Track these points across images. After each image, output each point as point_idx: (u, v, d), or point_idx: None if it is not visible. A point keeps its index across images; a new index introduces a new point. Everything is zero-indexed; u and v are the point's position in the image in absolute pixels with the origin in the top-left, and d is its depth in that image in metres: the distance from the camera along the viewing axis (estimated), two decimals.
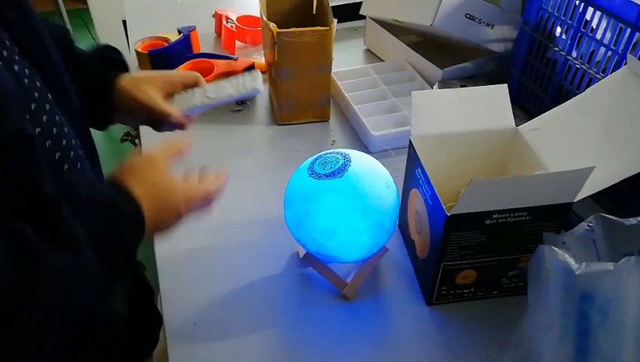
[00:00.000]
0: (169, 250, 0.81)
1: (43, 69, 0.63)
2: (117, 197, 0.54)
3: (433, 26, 1.07)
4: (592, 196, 0.69)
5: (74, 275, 0.49)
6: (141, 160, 0.61)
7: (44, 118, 0.58)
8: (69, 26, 2.31)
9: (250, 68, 1.15)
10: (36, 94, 0.57)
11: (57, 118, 0.60)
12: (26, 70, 0.57)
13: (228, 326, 0.72)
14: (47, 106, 0.59)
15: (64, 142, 0.60)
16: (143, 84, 0.74)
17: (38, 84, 0.58)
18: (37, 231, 0.47)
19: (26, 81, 0.57)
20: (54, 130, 0.58)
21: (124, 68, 0.77)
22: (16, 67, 0.56)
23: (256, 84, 0.78)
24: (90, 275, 0.51)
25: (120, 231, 0.54)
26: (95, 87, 0.72)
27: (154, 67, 1.20)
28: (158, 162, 0.61)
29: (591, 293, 0.55)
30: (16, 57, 0.57)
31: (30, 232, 0.46)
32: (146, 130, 1.07)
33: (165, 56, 1.19)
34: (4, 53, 0.55)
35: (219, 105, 0.78)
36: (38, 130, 0.55)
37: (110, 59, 0.76)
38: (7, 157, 0.49)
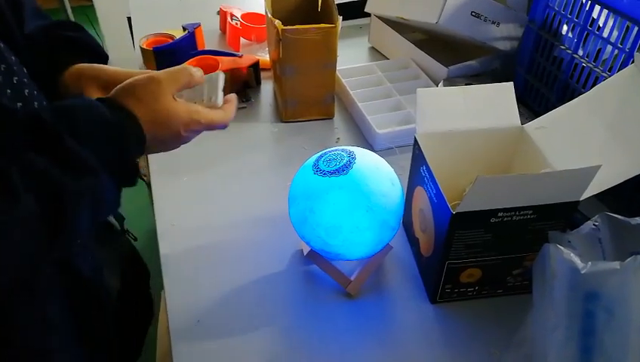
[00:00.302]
0: (173, 247, 0.82)
1: (15, 44, 0.63)
2: (117, 118, 0.54)
3: (439, 23, 1.06)
4: (597, 195, 0.69)
5: (93, 196, 0.51)
6: (144, 80, 0.59)
7: (26, 91, 0.58)
8: None
9: (255, 65, 1.15)
10: (15, 68, 0.58)
11: (35, 92, 0.61)
12: (1, 44, 0.58)
13: (232, 324, 0.72)
14: (26, 80, 0.60)
15: (36, 104, 0.61)
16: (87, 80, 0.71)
17: (13, 58, 0.59)
18: (48, 160, 0.48)
19: (5, 55, 0.58)
20: (35, 104, 0.59)
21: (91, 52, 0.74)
22: None
23: (215, 96, 0.64)
24: (105, 195, 0.53)
25: (123, 150, 0.55)
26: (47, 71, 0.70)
27: (159, 64, 1.20)
28: (162, 84, 0.59)
29: (596, 292, 0.55)
30: None
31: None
32: None
33: (170, 53, 1.19)
34: None
35: None
36: (19, 104, 0.56)
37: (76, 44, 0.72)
38: None
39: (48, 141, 0.49)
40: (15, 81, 0.58)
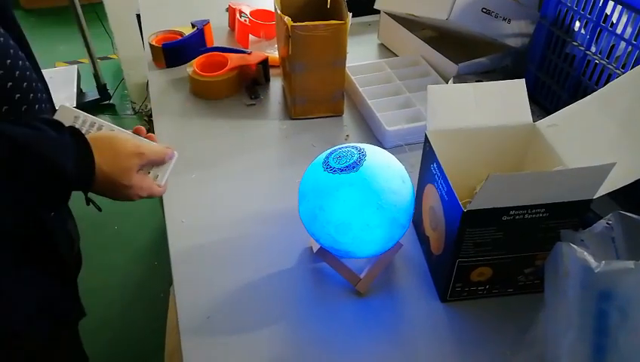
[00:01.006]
0: (183, 243, 0.82)
1: (12, 30, 0.67)
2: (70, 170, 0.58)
3: (449, 20, 1.06)
4: (610, 194, 0.68)
5: None
6: (131, 149, 0.65)
7: (8, 62, 0.63)
8: (83, 22, 2.32)
9: (264, 62, 1.15)
10: (11, 51, 0.61)
11: (20, 62, 0.64)
12: (1, 29, 0.62)
13: (241, 320, 0.72)
14: (12, 51, 0.64)
15: (25, 85, 0.65)
16: None
17: (11, 42, 0.62)
18: None
19: (1, 39, 0.62)
20: (17, 73, 0.64)
21: None
22: None
23: (162, 176, 0.72)
24: None
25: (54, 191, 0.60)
26: None
27: (168, 60, 1.20)
28: (140, 160, 0.66)
29: (610, 292, 0.54)
30: None
31: None
32: (159, 123, 1.07)
33: (179, 49, 1.19)
34: None
35: None
36: (10, 84, 0.62)
37: None
38: None
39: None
40: (7, 64, 0.62)
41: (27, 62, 0.67)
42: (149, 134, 0.73)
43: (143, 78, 2.15)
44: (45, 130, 0.57)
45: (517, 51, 1.15)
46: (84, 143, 0.60)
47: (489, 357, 0.68)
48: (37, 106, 0.68)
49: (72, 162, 0.58)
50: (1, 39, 0.63)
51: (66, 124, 0.62)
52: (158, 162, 0.70)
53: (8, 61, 0.62)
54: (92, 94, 2.58)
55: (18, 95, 0.64)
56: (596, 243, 0.63)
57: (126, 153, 0.64)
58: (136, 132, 0.72)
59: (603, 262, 0.55)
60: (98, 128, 0.69)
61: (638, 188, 0.76)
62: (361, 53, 1.27)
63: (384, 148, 0.95)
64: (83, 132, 0.63)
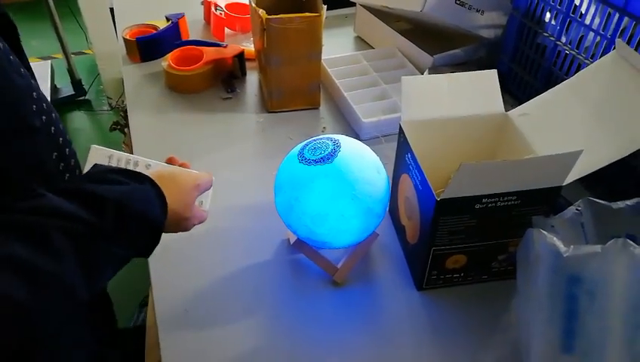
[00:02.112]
0: None
1: (24, 59, 0.66)
2: (162, 221, 0.58)
3: (423, 12, 1.06)
4: (581, 181, 0.70)
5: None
6: (190, 183, 0.64)
7: (44, 105, 0.63)
8: (55, 16, 2.28)
9: (240, 55, 1.15)
10: (34, 94, 0.61)
11: (53, 115, 0.64)
12: (22, 69, 0.62)
13: (219, 313, 0.72)
14: (44, 105, 0.63)
15: (60, 139, 0.64)
16: None
17: (33, 82, 0.62)
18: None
19: (33, 81, 0.63)
20: (53, 115, 0.63)
21: None
22: (22, 70, 0.61)
23: (206, 202, 0.71)
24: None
25: (149, 248, 0.58)
26: None
27: (142, 54, 1.19)
28: (197, 192, 0.65)
29: (579, 276, 0.56)
30: (18, 61, 0.62)
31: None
32: (134, 118, 1.06)
33: (153, 43, 1.18)
34: (12, 58, 0.60)
35: None
36: (43, 117, 0.61)
37: None
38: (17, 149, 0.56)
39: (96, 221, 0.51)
40: (35, 96, 0.62)
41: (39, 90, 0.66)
42: (183, 162, 0.71)
43: (118, 73, 2.12)
44: (131, 184, 0.56)
45: (491, 43, 1.17)
46: (159, 188, 0.59)
47: (465, 343, 0.69)
48: (61, 140, 0.67)
49: (159, 210, 0.57)
50: (35, 93, 0.62)
51: (101, 163, 0.61)
52: (209, 187, 0.68)
53: (35, 93, 0.62)
54: (67, 90, 2.54)
55: (61, 139, 0.64)
56: (566, 229, 0.64)
57: (188, 188, 0.63)
58: (170, 162, 0.70)
59: (572, 246, 0.56)
60: (134, 165, 0.66)
61: (607, 174, 0.78)
62: (337, 46, 1.27)
63: (361, 139, 0.96)
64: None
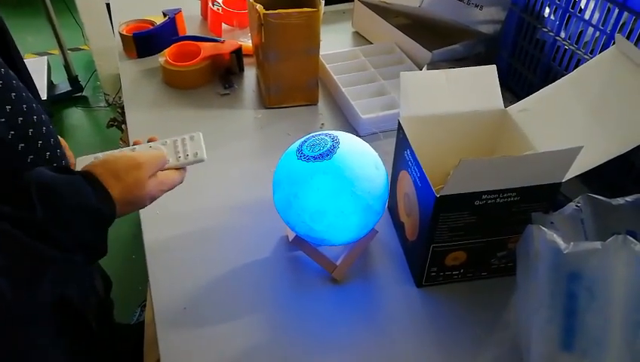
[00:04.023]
0: (157, 235, 0.81)
1: (16, 64, 0.64)
2: (101, 205, 0.57)
3: (421, 7, 1.06)
4: (580, 177, 0.69)
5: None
6: (127, 162, 0.62)
7: (20, 120, 0.59)
8: (51, 12, 2.26)
9: (238, 51, 1.14)
10: (12, 95, 0.59)
11: (35, 117, 0.62)
12: (2, 70, 0.59)
13: (218, 310, 0.71)
14: (25, 107, 0.60)
15: (40, 143, 0.62)
16: None
17: (14, 83, 0.60)
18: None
19: (14, 81, 0.59)
20: (30, 131, 0.60)
21: None
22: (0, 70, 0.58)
23: (200, 152, 0.70)
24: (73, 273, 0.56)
25: (98, 236, 0.57)
26: None
27: (139, 50, 1.18)
28: (142, 170, 0.63)
29: (579, 273, 0.55)
30: None
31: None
32: (131, 115, 1.06)
33: (150, 39, 1.18)
34: None
35: None
36: (12, 133, 0.57)
37: None
38: None
39: (26, 216, 0.50)
40: (13, 97, 0.60)
41: (26, 91, 0.64)
42: (151, 137, 0.72)
43: (115, 68, 2.11)
44: (60, 175, 0.55)
45: (490, 38, 1.16)
46: (90, 174, 0.58)
47: (464, 340, 0.69)
48: (52, 141, 0.66)
49: (91, 193, 0.56)
50: (14, 94, 0.60)
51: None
52: (162, 163, 0.67)
53: (20, 119, 0.60)
54: (63, 86, 2.53)
55: (31, 157, 0.62)
56: (566, 225, 0.64)
57: (125, 170, 0.61)
58: (135, 144, 0.71)
59: (572, 243, 0.56)
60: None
61: (607, 170, 0.78)
62: (335, 41, 1.27)
63: (359, 135, 0.96)
64: None
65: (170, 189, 0.67)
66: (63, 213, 0.53)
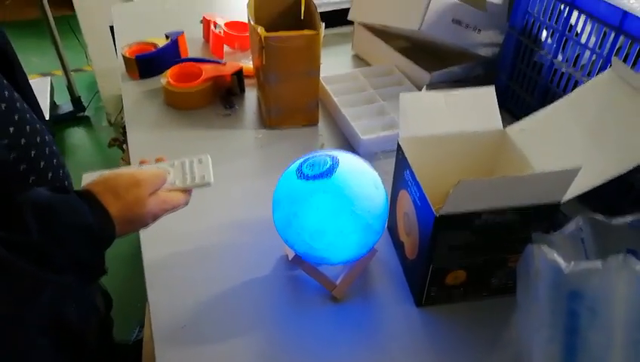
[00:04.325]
0: (157, 253, 0.81)
1: (19, 86, 0.65)
2: (97, 224, 0.56)
3: (420, 30, 1.07)
4: (580, 197, 0.70)
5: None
6: (127, 180, 0.62)
7: (22, 141, 0.59)
8: (56, 33, 2.29)
9: (239, 73, 1.15)
10: (16, 117, 0.59)
11: (39, 138, 0.62)
12: (6, 92, 0.59)
13: (217, 329, 0.71)
14: (28, 128, 0.61)
15: (42, 163, 0.62)
16: None
17: (18, 105, 0.60)
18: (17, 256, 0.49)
19: (3, 105, 0.58)
20: (32, 152, 0.60)
21: None
22: (5, 93, 0.59)
23: (207, 175, 0.70)
24: (69, 292, 0.55)
25: (95, 255, 0.57)
26: None
27: (141, 71, 1.19)
28: (142, 187, 0.62)
29: (580, 292, 0.55)
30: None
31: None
32: (133, 135, 1.06)
33: (153, 60, 1.19)
34: None
35: None
36: (13, 155, 0.57)
37: None
38: None
39: (20, 238, 0.50)
40: (17, 119, 0.60)
41: (30, 112, 0.65)
42: (159, 157, 0.72)
43: (118, 89, 2.13)
44: (54, 195, 0.55)
45: (488, 60, 1.18)
46: (89, 192, 0.58)
47: (465, 359, 0.68)
48: (54, 161, 0.66)
49: (88, 212, 0.56)
50: (17, 116, 0.60)
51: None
52: (161, 182, 0.66)
53: (23, 140, 0.60)
54: (66, 107, 2.55)
55: (33, 178, 0.62)
56: (566, 245, 0.64)
57: (124, 187, 0.61)
58: (142, 163, 0.70)
59: (572, 262, 0.56)
60: None
61: (606, 190, 0.78)
62: (335, 64, 1.29)
63: (359, 156, 0.96)
64: None
65: (173, 210, 0.67)
66: (58, 231, 0.52)
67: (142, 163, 0.70)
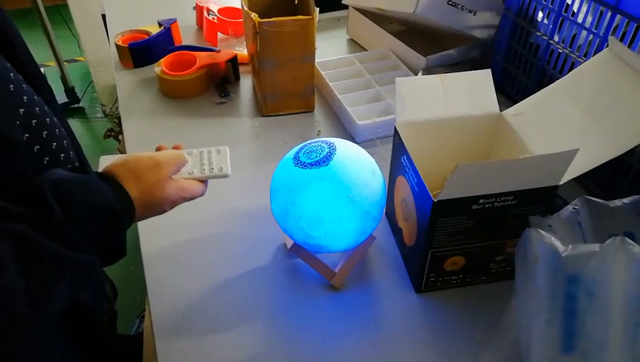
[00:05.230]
0: (155, 244, 0.81)
1: (24, 67, 0.64)
2: (119, 206, 0.56)
3: (415, 13, 1.06)
4: (577, 180, 0.69)
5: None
6: (146, 162, 0.62)
7: (34, 122, 0.59)
8: (47, 24, 2.27)
9: (233, 60, 1.14)
10: (25, 98, 0.59)
11: (48, 120, 0.62)
12: (11, 74, 0.59)
13: (216, 320, 0.71)
14: (37, 109, 0.60)
15: (54, 145, 0.62)
16: None
17: (24, 86, 0.60)
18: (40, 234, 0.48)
19: (11, 86, 0.58)
20: (44, 133, 0.60)
21: None
22: (10, 75, 0.59)
23: (225, 167, 0.69)
24: (88, 274, 0.54)
25: (117, 238, 0.56)
26: None
27: (135, 60, 1.18)
28: (163, 169, 0.63)
29: (578, 275, 0.55)
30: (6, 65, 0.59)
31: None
32: (128, 125, 1.06)
33: (146, 49, 1.18)
34: None
35: None
36: (26, 135, 0.57)
37: None
38: None
39: (43, 217, 0.50)
40: (25, 100, 0.60)
41: (36, 94, 0.64)
42: (176, 145, 0.72)
43: (112, 79, 2.12)
44: (74, 175, 0.55)
45: (484, 43, 1.17)
46: (108, 174, 0.58)
47: (464, 344, 0.69)
48: (65, 142, 0.66)
49: (109, 193, 0.55)
50: (26, 97, 0.60)
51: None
52: (180, 164, 0.67)
53: (34, 121, 0.60)
54: (60, 98, 2.53)
55: (47, 158, 0.62)
56: (564, 228, 0.64)
57: (145, 170, 0.61)
58: (159, 149, 0.70)
59: (570, 246, 0.56)
60: None
61: (603, 172, 0.78)
62: (330, 49, 1.27)
63: (356, 142, 0.96)
64: None
65: (190, 199, 0.67)
66: (79, 211, 0.52)
67: (159, 149, 0.70)
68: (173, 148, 0.70)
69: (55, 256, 0.49)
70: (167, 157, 0.64)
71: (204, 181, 0.69)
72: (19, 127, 0.58)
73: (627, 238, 0.53)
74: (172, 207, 0.65)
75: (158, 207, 0.63)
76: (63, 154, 0.65)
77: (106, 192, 0.55)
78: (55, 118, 0.66)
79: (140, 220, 0.62)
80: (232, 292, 0.75)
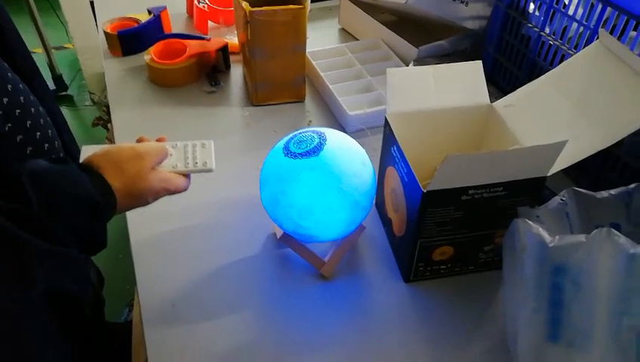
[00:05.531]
0: (144, 233, 0.80)
1: (10, 52, 0.63)
2: (100, 198, 0.55)
3: (407, 3, 1.06)
4: (565, 172, 0.70)
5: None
6: (128, 153, 0.61)
7: (17, 111, 0.58)
8: (35, 10, 2.23)
9: (224, 49, 1.13)
10: (9, 87, 0.58)
11: (33, 109, 0.61)
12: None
13: (205, 308, 0.71)
14: (22, 98, 0.60)
15: (38, 134, 0.61)
16: None
17: (9, 75, 0.59)
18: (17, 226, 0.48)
19: (9, 74, 0.59)
20: (28, 123, 0.59)
21: None
22: None
23: (209, 161, 0.69)
24: (70, 265, 0.54)
25: (97, 230, 0.56)
26: None
27: (124, 48, 1.17)
28: (145, 161, 0.62)
29: (564, 265, 0.56)
30: None
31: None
32: (117, 113, 1.05)
33: (135, 36, 1.16)
34: None
35: None
36: (9, 125, 0.56)
37: None
38: None
39: (20, 208, 0.49)
40: (10, 89, 0.59)
41: (22, 83, 0.63)
42: (160, 137, 0.71)
43: (100, 67, 2.10)
44: (53, 165, 0.54)
45: (476, 34, 1.17)
46: (87, 165, 0.57)
47: (453, 334, 0.69)
48: (50, 132, 0.65)
49: (88, 184, 0.55)
50: (10, 86, 0.59)
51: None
52: (162, 156, 0.66)
53: (18, 111, 0.59)
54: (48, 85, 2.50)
55: (30, 148, 0.61)
56: (551, 219, 0.65)
57: (126, 160, 0.61)
58: (139, 141, 0.69)
59: (557, 236, 0.56)
60: None
61: (591, 164, 0.79)
62: (322, 38, 1.27)
63: (346, 132, 0.96)
64: None
65: (174, 192, 0.66)
66: (58, 202, 0.51)
67: (140, 140, 0.69)
68: (157, 140, 0.70)
69: (30, 248, 0.49)
70: (149, 149, 0.64)
71: (187, 175, 0.69)
72: (1, 117, 0.57)
73: (613, 229, 0.53)
74: (155, 199, 0.65)
75: (142, 197, 0.62)
76: (47, 144, 0.64)
77: (86, 183, 0.55)
78: (41, 108, 0.65)
79: (122, 211, 0.61)
80: (222, 281, 0.75)
